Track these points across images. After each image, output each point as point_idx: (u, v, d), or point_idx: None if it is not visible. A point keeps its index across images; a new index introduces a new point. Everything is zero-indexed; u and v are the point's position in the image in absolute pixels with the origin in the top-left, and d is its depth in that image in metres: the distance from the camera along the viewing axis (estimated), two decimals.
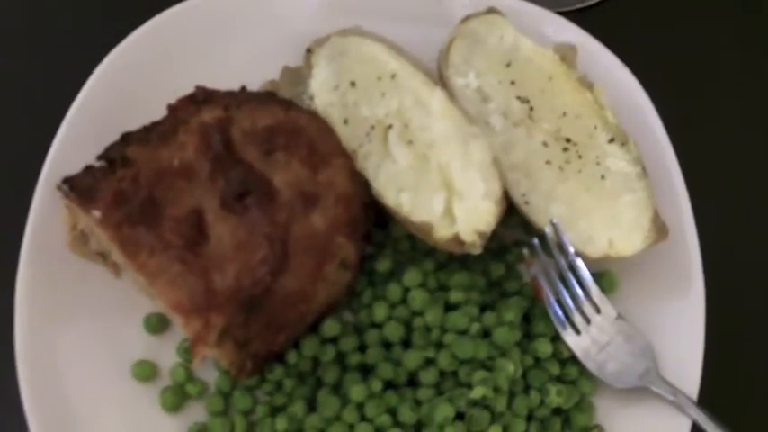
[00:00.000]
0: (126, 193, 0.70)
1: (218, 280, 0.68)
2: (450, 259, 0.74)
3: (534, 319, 0.73)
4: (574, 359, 0.72)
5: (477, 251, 0.70)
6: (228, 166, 0.72)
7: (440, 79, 0.78)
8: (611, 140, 0.74)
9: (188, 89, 0.76)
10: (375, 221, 0.76)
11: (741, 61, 0.90)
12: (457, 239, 0.70)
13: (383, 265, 0.74)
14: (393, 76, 0.77)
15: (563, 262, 0.72)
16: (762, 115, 0.88)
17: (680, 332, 0.73)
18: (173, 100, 0.75)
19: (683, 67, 0.89)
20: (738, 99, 0.88)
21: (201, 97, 0.76)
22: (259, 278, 0.68)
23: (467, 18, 0.79)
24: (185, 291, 0.68)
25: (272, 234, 0.69)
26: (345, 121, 0.76)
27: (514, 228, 0.76)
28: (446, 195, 0.72)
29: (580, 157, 0.74)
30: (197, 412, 0.72)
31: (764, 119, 0.88)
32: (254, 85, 0.79)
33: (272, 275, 0.69)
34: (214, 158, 0.72)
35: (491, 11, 0.79)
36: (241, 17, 0.83)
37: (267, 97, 0.76)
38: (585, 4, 0.89)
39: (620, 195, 0.73)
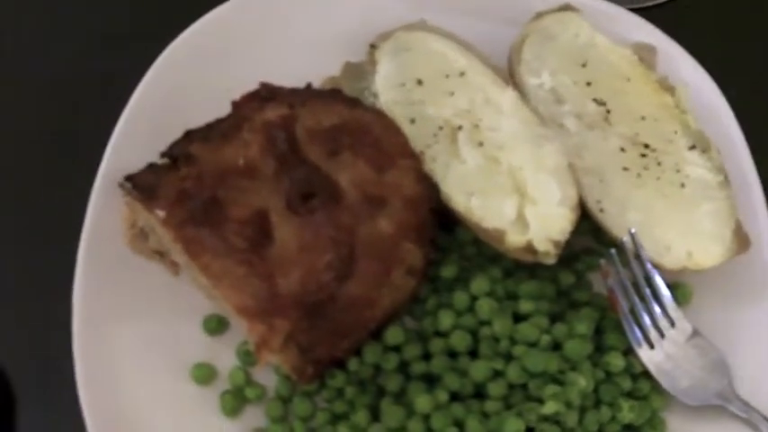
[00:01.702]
0: (189, 191, 0.68)
1: (283, 284, 0.66)
2: (518, 267, 0.72)
3: (606, 332, 0.70)
4: (646, 374, 0.70)
5: (551, 261, 0.67)
6: (293, 165, 0.70)
7: (510, 78, 0.75)
8: (692, 147, 0.71)
9: (245, 85, 0.73)
10: (441, 225, 0.73)
11: None
12: (530, 247, 0.68)
13: (449, 271, 0.71)
14: (462, 74, 0.75)
15: (639, 273, 0.69)
16: None
17: (756, 348, 0.71)
18: (229, 96, 0.73)
19: (763, 71, 0.85)
20: None
21: (265, 94, 0.73)
22: (324, 283, 0.66)
23: (539, 14, 0.76)
24: (250, 294, 0.66)
25: (337, 237, 0.67)
26: (412, 121, 0.74)
27: (584, 234, 0.73)
28: (518, 200, 0.70)
29: (659, 163, 0.71)
30: (255, 417, 0.70)
31: None
32: (315, 82, 0.76)
33: (338, 280, 0.67)
34: (279, 158, 0.70)
35: (565, 7, 0.76)
36: (301, 11, 0.80)
37: (332, 95, 0.74)
38: (659, 0, 0.85)
39: (700, 204, 0.70)
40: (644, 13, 0.80)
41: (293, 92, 0.74)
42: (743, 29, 0.87)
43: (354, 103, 0.73)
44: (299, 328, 0.66)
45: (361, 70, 0.78)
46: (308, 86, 0.74)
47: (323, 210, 0.68)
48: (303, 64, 0.78)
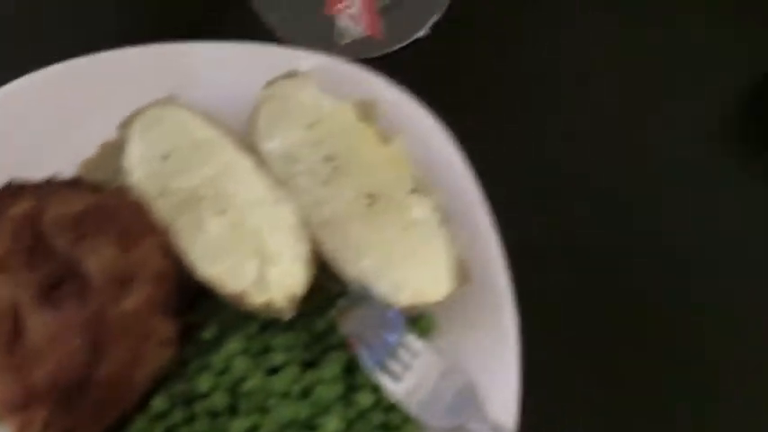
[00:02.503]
0: None
1: (37, 374, 0.70)
2: (275, 320, 0.76)
3: (356, 371, 0.75)
4: (397, 405, 0.75)
5: (288, 316, 0.72)
6: (41, 257, 0.73)
7: (249, 145, 0.80)
8: (414, 190, 0.77)
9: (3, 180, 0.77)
10: (202, 290, 0.77)
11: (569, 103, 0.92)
12: (269, 305, 0.72)
13: (208, 333, 0.76)
14: (205, 145, 0.79)
15: (375, 313, 0.74)
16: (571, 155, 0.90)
17: (498, 368, 0.76)
18: None
19: (489, 105, 0.91)
20: (550, 141, 0.91)
21: (14, 189, 0.77)
22: (77, 368, 0.70)
23: (270, 82, 0.81)
24: (4, 388, 0.69)
25: (86, 322, 0.71)
26: (161, 194, 0.78)
27: (336, 282, 0.78)
28: (258, 261, 0.74)
29: (386, 209, 0.77)
30: None
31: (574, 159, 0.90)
32: (74, 166, 0.80)
33: (90, 364, 0.70)
34: (26, 250, 0.73)
35: (291, 73, 0.81)
36: (57, 98, 0.83)
37: (75, 183, 0.77)
38: (391, 48, 0.91)
39: (425, 243, 0.76)
40: (376, 61, 0.86)
41: (39, 184, 0.77)
42: (470, 72, 0.93)
43: (96, 187, 0.77)
44: (57, 414, 0.69)
45: (115, 149, 0.82)
46: (53, 177, 0.78)
47: (71, 297, 0.72)
48: (63, 151, 0.81)
